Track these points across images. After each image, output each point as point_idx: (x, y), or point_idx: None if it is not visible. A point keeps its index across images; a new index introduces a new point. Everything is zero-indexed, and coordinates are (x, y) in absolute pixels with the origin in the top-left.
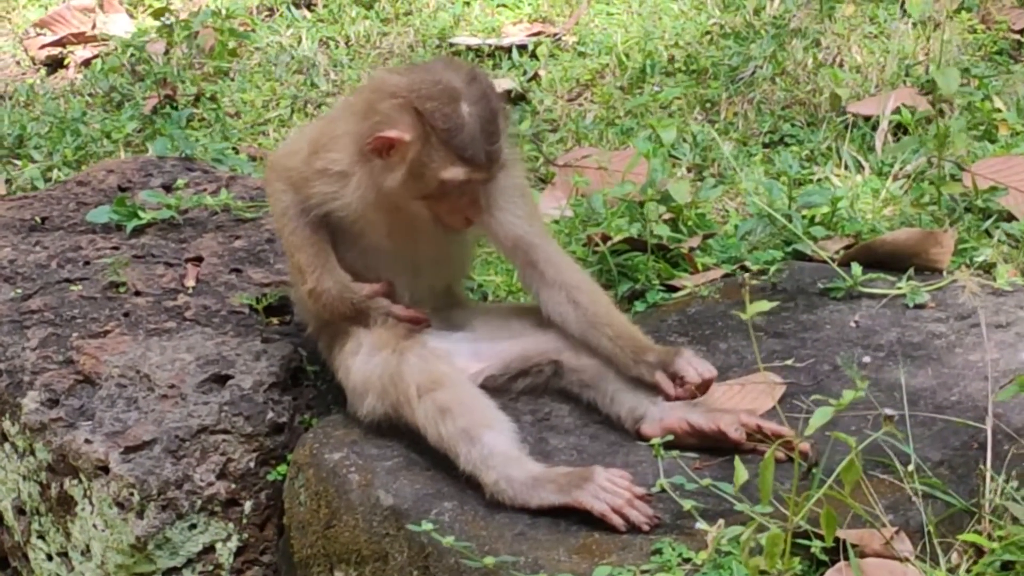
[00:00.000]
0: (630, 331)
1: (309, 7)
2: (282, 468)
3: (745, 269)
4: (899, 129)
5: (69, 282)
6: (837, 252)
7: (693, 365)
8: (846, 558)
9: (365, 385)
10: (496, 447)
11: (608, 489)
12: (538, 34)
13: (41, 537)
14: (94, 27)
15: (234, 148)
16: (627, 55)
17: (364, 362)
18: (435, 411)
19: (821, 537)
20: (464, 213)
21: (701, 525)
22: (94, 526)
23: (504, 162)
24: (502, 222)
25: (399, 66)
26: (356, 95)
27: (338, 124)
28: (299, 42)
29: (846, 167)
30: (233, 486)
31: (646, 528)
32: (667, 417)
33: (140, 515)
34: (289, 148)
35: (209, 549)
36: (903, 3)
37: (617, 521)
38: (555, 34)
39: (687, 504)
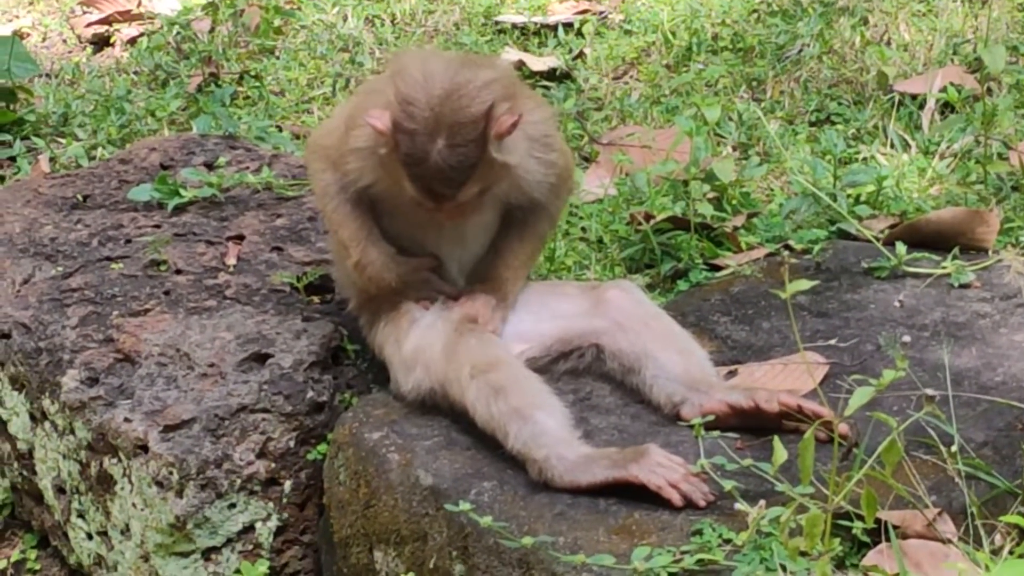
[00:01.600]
0: None
1: None
2: (322, 447)
3: (789, 248)
4: (946, 108)
5: (110, 260)
6: (882, 231)
7: None
8: (887, 539)
9: (416, 356)
10: (548, 427)
11: (664, 465)
12: (584, 12)
13: (81, 516)
14: (140, 5)
15: (277, 126)
16: (673, 33)
17: (421, 335)
18: (488, 390)
19: (862, 518)
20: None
21: (741, 506)
22: (133, 505)
23: (464, 198)
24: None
25: (425, 50)
26: (386, 69)
27: (365, 100)
28: (344, 20)
29: (892, 146)
30: (273, 465)
31: (702, 504)
32: (706, 402)
33: (179, 494)
34: (327, 126)
35: (249, 528)
36: None
37: (673, 495)
38: (601, 12)
39: (727, 485)
